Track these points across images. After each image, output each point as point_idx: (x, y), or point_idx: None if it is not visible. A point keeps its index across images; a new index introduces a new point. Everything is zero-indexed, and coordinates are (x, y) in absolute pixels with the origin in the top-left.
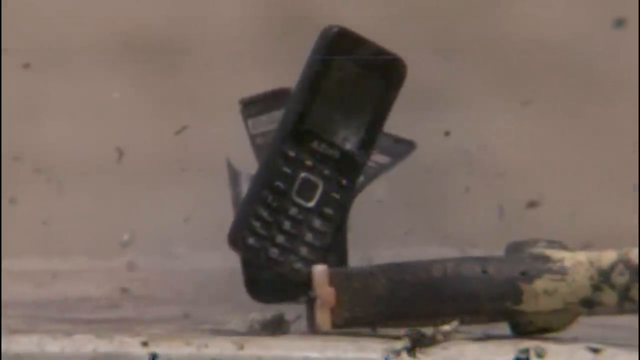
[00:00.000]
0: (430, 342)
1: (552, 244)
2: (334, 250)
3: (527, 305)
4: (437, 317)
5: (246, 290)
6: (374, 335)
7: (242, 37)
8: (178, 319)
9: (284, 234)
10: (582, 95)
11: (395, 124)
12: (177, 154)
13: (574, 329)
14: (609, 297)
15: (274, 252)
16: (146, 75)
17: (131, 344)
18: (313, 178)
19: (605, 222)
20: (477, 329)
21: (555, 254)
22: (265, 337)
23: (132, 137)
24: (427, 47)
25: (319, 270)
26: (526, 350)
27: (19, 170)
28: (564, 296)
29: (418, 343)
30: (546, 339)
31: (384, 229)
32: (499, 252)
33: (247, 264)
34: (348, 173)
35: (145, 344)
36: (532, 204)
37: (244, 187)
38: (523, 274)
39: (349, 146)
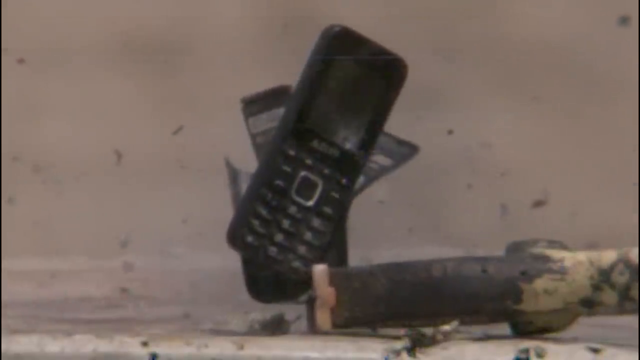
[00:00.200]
0: (430, 342)
1: (553, 243)
2: (334, 250)
3: (527, 305)
4: (437, 317)
5: (247, 289)
6: (374, 335)
7: (242, 37)
8: (178, 319)
9: (283, 232)
10: (583, 94)
11: (397, 123)
12: (176, 154)
13: (574, 329)
14: (609, 296)
15: (272, 250)
16: (146, 75)
17: (131, 344)
18: (313, 177)
19: (607, 222)
20: (477, 329)
21: (556, 253)
22: (265, 337)
23: (132, 137)
24: (428, 47)
25: (319, 269)
26: (526, 350)
27: (19, 170)
28: (564, 296)
29: (418, 343)
30: (546, 339)
31: (385, 228)
32: (501, 252)
33: (247, 263)
34: (348, 172)
35: (145, 344)
36: (537, 204)
37: (243, 186)
38: (523, 273)
39: (349, 146)
